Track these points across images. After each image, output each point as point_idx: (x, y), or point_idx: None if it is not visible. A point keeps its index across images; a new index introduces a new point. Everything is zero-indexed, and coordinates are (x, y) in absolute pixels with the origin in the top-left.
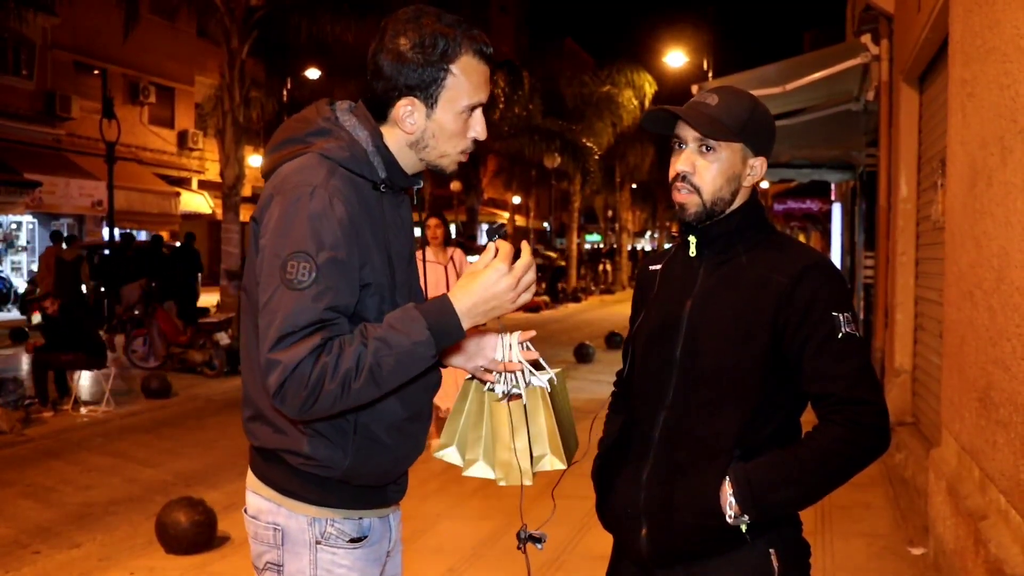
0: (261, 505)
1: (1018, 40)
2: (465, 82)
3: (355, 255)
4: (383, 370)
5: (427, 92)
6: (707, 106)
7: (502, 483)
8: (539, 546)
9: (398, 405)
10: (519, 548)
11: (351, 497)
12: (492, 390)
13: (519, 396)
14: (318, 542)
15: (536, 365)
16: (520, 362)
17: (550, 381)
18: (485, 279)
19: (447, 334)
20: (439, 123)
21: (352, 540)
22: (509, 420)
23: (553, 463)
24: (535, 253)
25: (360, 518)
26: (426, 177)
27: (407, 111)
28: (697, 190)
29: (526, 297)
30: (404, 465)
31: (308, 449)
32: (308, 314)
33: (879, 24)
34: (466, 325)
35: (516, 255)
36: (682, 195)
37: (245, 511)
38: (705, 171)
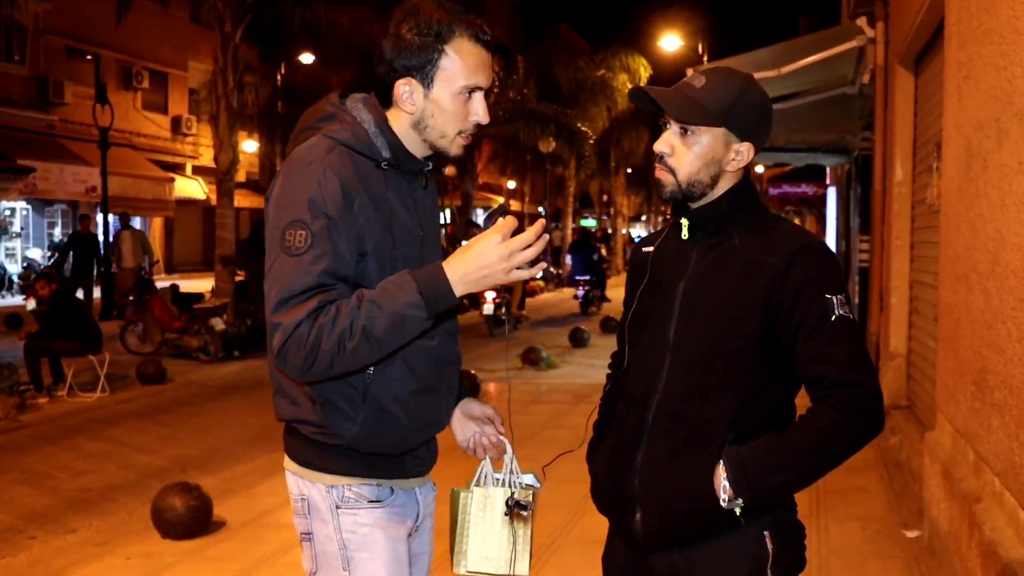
0: (290, 480)
1: (1014, 22)
2: (460, 63)
3: (349, 224)
4: (376, 331)
5: (423, 72)
6: (692, 89)
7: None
8: (525, 512)
9: (407, 378)
10: (505, 515)
11: (365, 466)
12: (475, 488)
13: (523, 509)
14: (338, 507)
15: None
16: (508, 475)
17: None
18: (478, 248)
19: (438, 298)
20: (436, 102)
21: (371, 501)
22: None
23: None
24: None
25: (378, 484)
26: None
27: (406, 91)
28: (673, 171)
29: (522, 273)
30: (418, 437)
31: (318, 418)
32: (305, 279)
33: (874, 7)
34: (458, 291)
35: (518, 231)
36: (660, 172)
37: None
38: (683, 154)
